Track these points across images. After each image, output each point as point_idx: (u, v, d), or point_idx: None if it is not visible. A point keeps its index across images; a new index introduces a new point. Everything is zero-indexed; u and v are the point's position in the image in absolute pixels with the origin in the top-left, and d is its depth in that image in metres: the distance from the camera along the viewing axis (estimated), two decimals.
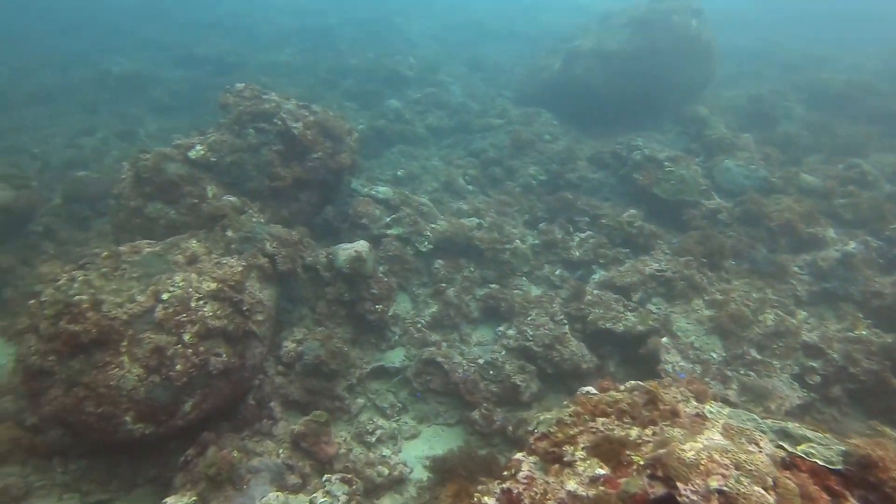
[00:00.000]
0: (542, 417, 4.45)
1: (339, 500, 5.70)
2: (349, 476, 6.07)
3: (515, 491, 3.86)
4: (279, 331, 8.08)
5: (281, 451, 6.56)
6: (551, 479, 3.78)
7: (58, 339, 6.10)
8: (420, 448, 7.84)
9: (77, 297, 6.26)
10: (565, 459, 3.85)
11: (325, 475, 6.19)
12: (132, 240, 8.95)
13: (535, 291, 9.84)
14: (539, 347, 8.33)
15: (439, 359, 8.26)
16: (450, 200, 12.33)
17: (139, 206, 8.82)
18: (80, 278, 6.52)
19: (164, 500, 5.93)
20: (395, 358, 8.74)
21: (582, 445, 3.91)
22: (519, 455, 4.31)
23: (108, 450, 6.99)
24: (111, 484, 7.02)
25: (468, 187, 12.91)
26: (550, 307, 8.93)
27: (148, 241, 7.51)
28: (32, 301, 6.66)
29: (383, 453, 7.45)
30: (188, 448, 6.97)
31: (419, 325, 9.04)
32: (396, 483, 6.91)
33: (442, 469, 6.58)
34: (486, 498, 3.98)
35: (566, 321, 8.75)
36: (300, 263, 8.15)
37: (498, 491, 3.99)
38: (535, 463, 4.09)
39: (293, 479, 6.17)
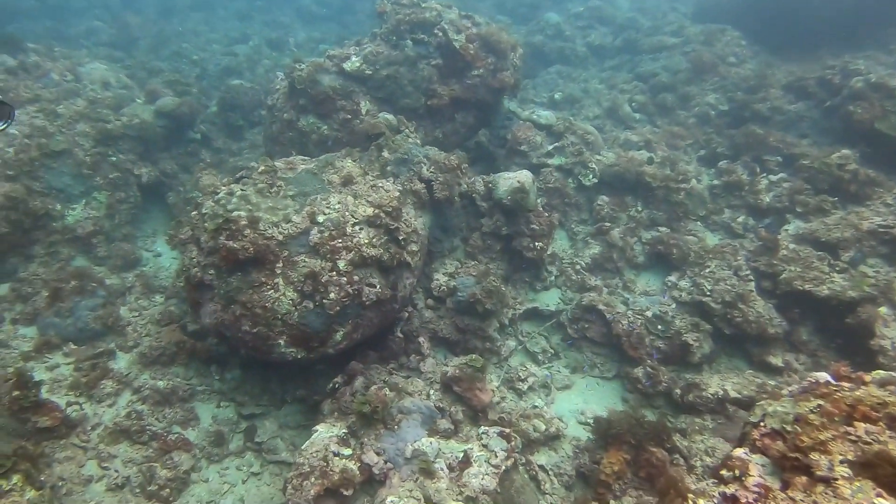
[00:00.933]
0: (769, 408, 3.67)
1: (496, 457, 5.34)
2: (507, 431, 5.68)
3: (745, 501, 3.19)
4: (429, 261, 7.74)
5: (432, 392, 6.31)
6: (799, 497, 3.05)
7: (217, 253, 6.10)
8: (574, 401, 7.35)
9: (235, 212, 6.18)
10: (818, 474, 3.09)
11: (482, 427, 5.84)
12: (284, 153, 8.92)
13: (712, 239, 8.72)
14: (717, 304, 7.37)
15: (601, 306, 7.57)
16: (613, 129, 11.21)
17: (292, 118, 8.67)
18: (237, 193, 6.44)
19: (315, 428, 5.92)
20: (550, 300, 8.17)
21: (840, 458, 3.12)
22: (740, 452, 3.60)
23: (261, 364, 7.15)
24: (262, 399, 7.23)
25: (635, 115, 11.65)
26: (734, 259, 7.83)
27: (302, 157, 7.30)
28: (194, 212, 6.73)
29: (535, 403, 7.04)
30: (335, 373, 6.99)
31: (578, 267, 8.35)
32: (552, 439, 6.49)
33: (605, 432, 6.03)
34: (701, 501, 3.35)
35: (752, 277, 7.66)
36: (457, 191, 7.64)
37: (718, 496, 3.33)
38: (764, 467, 3.38)
39: (444, 424, 5.90)
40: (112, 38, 16.87)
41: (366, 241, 6.14)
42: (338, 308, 5.95)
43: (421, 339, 7.15)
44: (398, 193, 6.69)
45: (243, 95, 11.29)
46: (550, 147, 9.09)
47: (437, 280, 7.47)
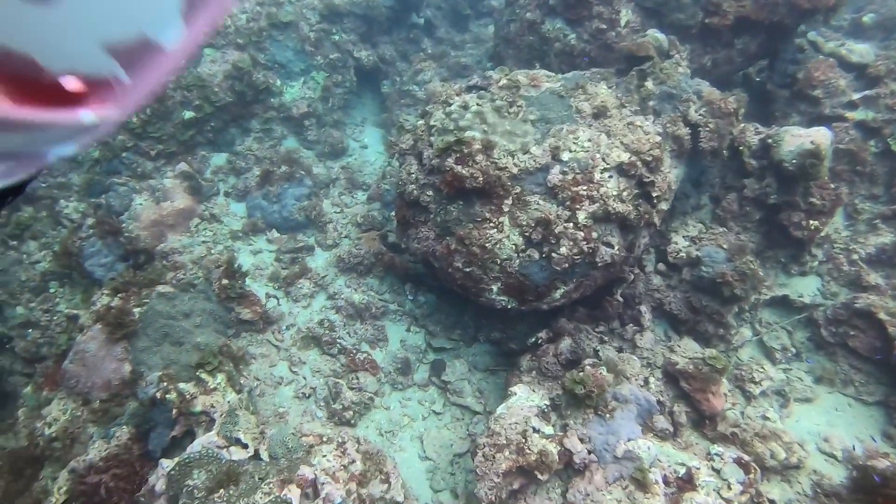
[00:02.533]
0: None
1: (729, 489, 4.47)
2: (746, 460, 4.74)
3: None
4: (668, 218, 6.62)
5: (652, 380, 5.46)
6: None
7: (441, 175, 5.52)
8: (815, 420, 6.14)
9: (469, 132, 5.47)
10: None
11: (715, 447, 4.95)
12: (517, 60, 7.98)
13: None
14: None
15: (882, 315, 6.06)
16: None
17: (535, 19, 7.62)
18: (473, 108, 5.70)
19: (513, 391, 5.39)
20: (806, 289, 6.76)
21: None
22: None
23: (460, 298, 6.71)
24: (454, 332, 6.86)
25: None
26: None
27: (546, 72, 6.32)
28: (420, 121, 6.14)
29: (766, 414, 5.94)
30: (536, 321, 6.37)
31: (854, 256, 6.77)
32: (789, 469, 5.43)
33: (871, 490, 4.85)
34: None
35: None
36: (727, 142, 6.30)
37: None
38: None
39: (662, 423, 5.10)
40: None
41: (614, 192, 5.19)
42: (566, 265, 5.17)
43: (643, 308, 6.23)
44: (659, 139, 5.56)
45: None
46: (857, 96, 7.19)
47: (675, 244, 6.37)
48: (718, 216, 6.68)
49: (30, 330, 7.50)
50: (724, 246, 6.15)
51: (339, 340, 6.55)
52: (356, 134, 9.69)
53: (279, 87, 9.10)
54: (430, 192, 5.74)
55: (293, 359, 6.34)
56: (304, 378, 6.25)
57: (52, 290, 7.87)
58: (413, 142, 6.14)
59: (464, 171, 5.32)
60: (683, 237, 6.44)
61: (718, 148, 6.11)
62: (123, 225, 7.63)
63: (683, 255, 6.27)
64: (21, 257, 8.29)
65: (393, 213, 8.14)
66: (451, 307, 6.99)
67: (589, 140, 5.34)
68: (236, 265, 6.39)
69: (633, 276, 6.40)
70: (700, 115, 5.98)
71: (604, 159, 5.25)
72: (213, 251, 7.38)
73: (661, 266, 6.46)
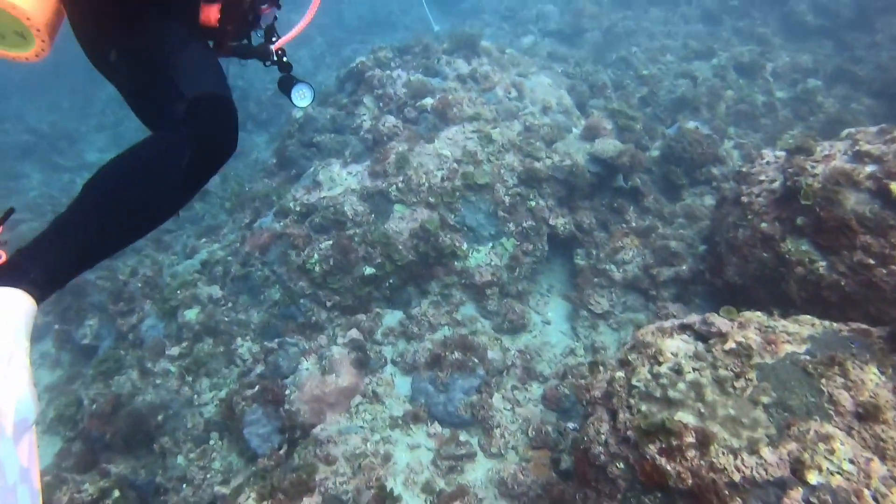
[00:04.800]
0: None
1: None
2: None
3: None
4: None
5: None
6: None
7: (638, 457, 4.57)
8: None
9: (680, 414, 4.49)
10: None
11: None
12: (739, 273, 6.85)
13: None
14: None
15: None
16: None
17: (773, 233, 6.48)
18: (688, 375, 4.72)
19: None
20: None
21: None
22: None
23: None
24: None
25: None
26: None
27: (784, 322, 5.16)
28: (618, 374, 5.25)
29: None
30: None
31: None
32: None
33: None
34: None
35: None
36: None
37: None
38: None
39: None
40: (560, 27, 16.52)
41: None
42: None
43: None
44: None
45: (695, 146, 9.38)
46: None
47: None
48: None
49: (184, 485, 7.57)
50: None
51: None
52: (540, 306, 9.02)
53: (465, 251, 8.77)
54: (620, 465, 4.80)
55: None
56: None
57: (211, 442, 7.95)
58: (607, 392, 5.27)
59: (668, 468, 4.33)
60: None
61: None
62: (287, 392, 7.56)
63: None
64: (193, 398, 8.56)
65: (569, 426, 7.25)
66: None
67: (851, 462, 4.08)
68: (388, 489, 5.85)
69: None
70: None
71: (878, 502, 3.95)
72: (369, 442, 6.98)
73: None
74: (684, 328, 5.45)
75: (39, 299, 1.96)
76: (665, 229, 8.95)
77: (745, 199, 6.98)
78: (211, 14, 3.15)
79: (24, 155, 18.07)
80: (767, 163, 7.27)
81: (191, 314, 9.31)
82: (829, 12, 13.62)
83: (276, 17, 3.90)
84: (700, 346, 5.16)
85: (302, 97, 4.13)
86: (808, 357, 4.79)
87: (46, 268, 2.04)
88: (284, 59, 3.93)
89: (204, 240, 11.25)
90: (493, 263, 8.78)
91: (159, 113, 2.80)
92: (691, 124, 9.70)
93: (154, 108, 2.90)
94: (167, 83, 2.75)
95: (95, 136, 18.92)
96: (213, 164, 2.63)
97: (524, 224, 8.86)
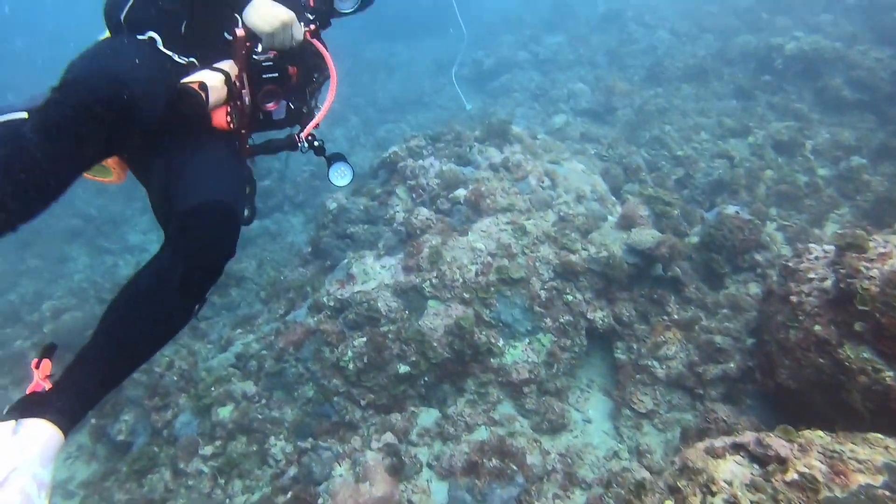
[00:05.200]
0: None
1: None
2: None
3: None
4: None
5: None
6: None
7: None
8: None
9: None
10: None
11: None
12: (793, 377, 6.50)
13: None
14: None
15: None
16: None
17: (829, 338, 6.17)
18: None
19: None
20: None
21: None
22: None
23: None
24: None
25: None
26: None
27: (856, 454, 4.80)
28: (669, 502, 4.94)
29: None
30: None
31: None
32: None
33: None
34: None
35: None
36: None
37: None
38: None
39: None
40: (592, 105, 16.65)
41: None
42: None
43: None
44: None
45: (736, 233, 9.14)
46: None
47: None
48: None
49: None
50: None
51: None
52: (580, 402, 8.71)
53: (501, 347, 8.58)
54: None
55: None
56: None
57: None
58: None
59: None
60: None
61: None
62: (320, 501, 7.35)
63: None
64: (224, 501, 8.38)
65: None
66: None
67: None
68: None
69: None
70: None
71: None
72: None
73: None
74: (737, 448, 5.14)
75: (66, 429, 2.11)
76: (709, 321, 8.64)
77: (794, 298, 6.69)
78: (219, 117, 3.31)
79: (72, 238, 18.69)
80: (816, 258, 7.00)
81: (224, 412, 9.23)
82: (867, 86, 13.42)
83: (293, 107, 3.92)
84: (756, 471, 4.84)
85: (341, 176, 4.20)
86: (886, 491, 4.42)
87: (70, 397, 2.21)
88: (316, 143, 3.96)
89: (239, 330, 11.27)
90: (530, 360, 8.55)
91: (165, 225, 3.02)
92: (731, 209, 9.47)
93: (163, 219, 3.12)
94: (169, 196, 3.02)
95: (139, 218, 19.46)
96: (205, 275, 2.78)
97: (561, 319, 8.66)
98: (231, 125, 3.35)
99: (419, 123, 20.49)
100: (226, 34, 3.44)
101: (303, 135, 3.85)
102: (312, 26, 3.72)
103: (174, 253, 2.69)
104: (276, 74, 3.56)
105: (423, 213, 9.82)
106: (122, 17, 3.47)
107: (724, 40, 18.64)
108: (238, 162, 3.51)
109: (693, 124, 14.08)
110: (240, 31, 3.35)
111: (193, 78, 3.12)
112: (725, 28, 19.64)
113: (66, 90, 2.53)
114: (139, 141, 2.96)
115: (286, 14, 3.28)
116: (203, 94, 3.06)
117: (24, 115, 2.53)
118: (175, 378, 10.31)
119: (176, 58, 3.36)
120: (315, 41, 3.76)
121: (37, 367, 2.39)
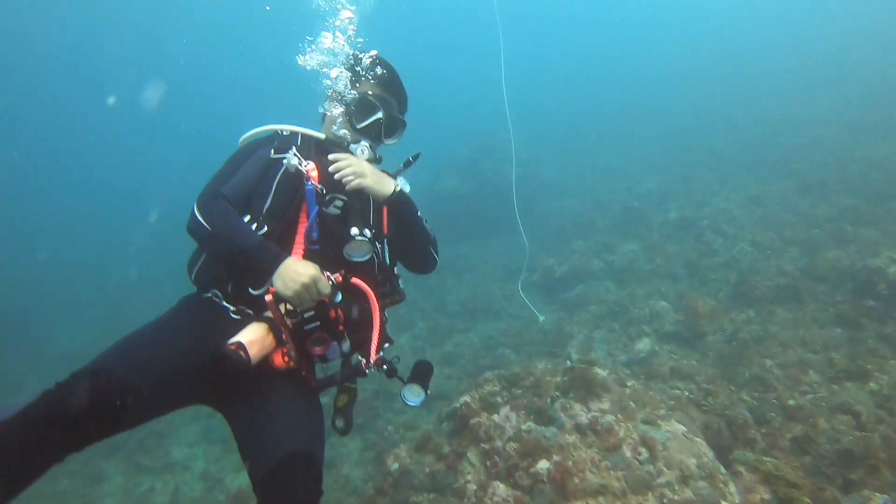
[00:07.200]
0: None
1: None
2: None
3: None
4: None
5: None
6: None
7: None
8: None
9: None
10: None
11: None
12: None
13: None
14: None
15: None
16: None
17: None
18: None
19: None
20: None
21: None
22: None
23: None
24: None
25: None
26: None
27: None
28: None
29: None
30: None
31: None
32: None
33: None
34: None
35: None
36: None
37: None
38: None
39: None
40: (677, 328, 15.53)
41: None
42: None
43: None
44: None
45: None
46: None
47: None
48: None
49: None
50: None
51: None
52: None
53: None
54: None
55: None
56: None
57: None
58: None
59: None
60: None
61: None
62: None
63: None
64: None
65: None
66: None
67: None
68: None
69: None
70: None
71: None
72: None
73: None
74: None
75: None
76: None
77: None
78: (278, 360, 3.63)
79: (111, 452, 17.31)
80: None
81: None
82: None
83: (349, 340, 3.94)
84: None
85: (415, 395, 4.11)
86: None
87: None
88: (385, 366, 3.97)
89: None
90: None
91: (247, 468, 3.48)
92: (880, 500, 7.82)
93: (247, 464, 3.50)
94: (248, 451, 3.57)
95: (188, 427, 18.23)
96: None
97: None
98: (291, 363, 3.63)
99: (489, 335, 19.64)
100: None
101: (371, 361, 3.90)
102: (343, 270, 3.82)
103: None
104: (318, 323, 3.63)
105: (501, 491, 8.55)
106: (193, 278, 4.12)
107: (811, 254, 17.55)
108: (307, 403, 3.82)
109: (797, 359, 12.63)
110: (268, 297, 3.59)
111: (234, 339, 3.43)
112: (809, 240, 18.65)
113: (59, 394, 3.23)
114: (216, 395, 3.76)
115: (306, 275, 3.49)
116: (242, 353, 3.32)
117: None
118: None
119: (232, 312, 3.82)
120: (356, 280, 3.87)
121: None
